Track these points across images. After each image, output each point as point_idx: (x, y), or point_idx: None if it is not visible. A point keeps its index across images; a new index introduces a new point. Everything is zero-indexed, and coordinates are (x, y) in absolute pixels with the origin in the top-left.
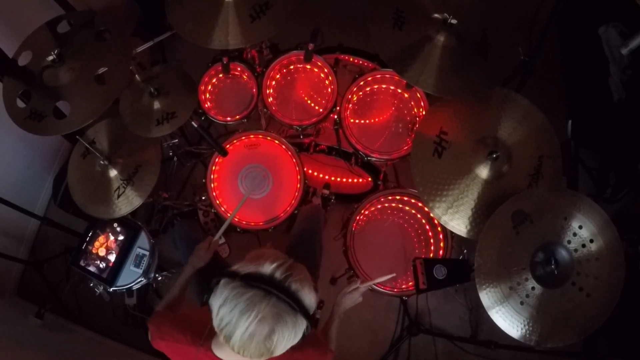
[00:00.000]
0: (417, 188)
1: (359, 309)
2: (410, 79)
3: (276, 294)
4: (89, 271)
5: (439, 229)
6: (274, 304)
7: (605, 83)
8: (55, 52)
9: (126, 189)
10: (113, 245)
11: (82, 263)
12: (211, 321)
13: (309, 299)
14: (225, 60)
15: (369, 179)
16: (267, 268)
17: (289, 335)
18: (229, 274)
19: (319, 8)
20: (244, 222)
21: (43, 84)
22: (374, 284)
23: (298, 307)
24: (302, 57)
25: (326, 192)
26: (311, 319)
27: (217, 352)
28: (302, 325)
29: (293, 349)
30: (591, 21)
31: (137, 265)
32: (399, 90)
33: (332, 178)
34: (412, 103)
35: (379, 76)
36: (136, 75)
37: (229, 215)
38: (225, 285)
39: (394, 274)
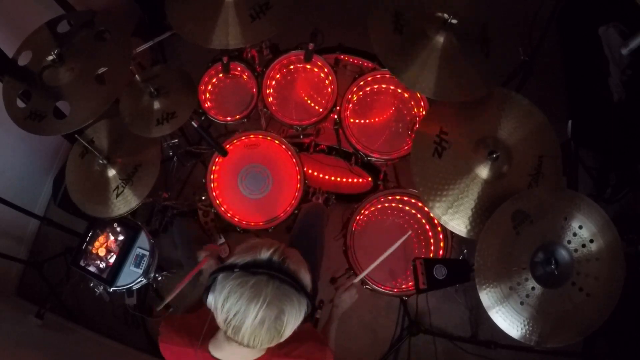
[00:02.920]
0: (417, 188)
1: (359, 308)
2: (407, 82)
3: (278, 276)
4: (89, 271)
5: (439, 229)
6: (278, 286)
7: (605, 83)
8: (55, 52)
9: (125, 189)
10: (113, 245)
11: (82, 263)
12: (207, 323)
13: (307, 278)
14: (225, 60)
15: (369, 179)
16: (265, 254)
17: (296, 314)
18: (227, 267)
19: (319, 8)
20: (244, 222)
21: (43, 84)
22: (372, 271)
23: (299, 285)
24: (302, 57)
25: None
26: (311, 298)
27: (215, 353)
28: (304, 303)
29: (296, 341)
30: (591, 21)
31: (137, 265)
32: (399, 90)
33: (332, 178)
34: (412, 103)
35: (379, 76)
36: (136, 75)
37: (223, 211)
38: (225, 279)
39: (382, 257)
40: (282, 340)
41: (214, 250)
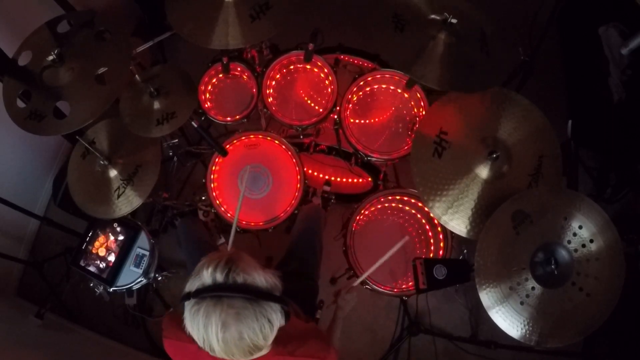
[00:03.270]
0: (417, 188)
1: (359, 308)
2: (414, 74)
3: (225, 295)
4: (89, 271)
5: (439, 229)
6: (228, 305)
7: (605, 83)
8: (55, 52)
9: (126, 189)
10: (113, 245)
11: (82, 263)
12: None
13: (261, 280)
14: (225, 60)
15: (369, 179)
16: (206, 276)
17: (260, 326)
18: (184, 297)
19: (319, 8)
20: (244, 222)
21: (43, 84)
22: (373, 272)
23: (253, 294)
24: (302, 57)
25: (327, 188)
26: (279, 298)
27: None
28: (269, 309)
29: (300, 339)
30: (591, 21)
31: (137, 265)
32: (399, 90)
33: (332, 178)
34: (412, 103)
35: (379, 76)
36: (136, 75)
37: (229, 215)
38: (187, 309)
39: (383, 259)
40: (265, 347)
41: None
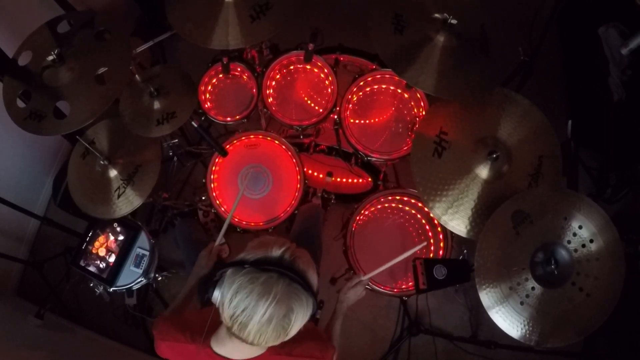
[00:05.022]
0: (417, 188)
1: (359, 309)
2: (410, 79)
3: (289, 274)
4: (89, 271)
5: (439, 229)
6: (288, 284)
7: (605, 83)
8: (55, 52)
9: (126, 189)
10: (113, 245)
11: (82, 263)
12: (211, 319)
13: (314, 279)
14: (225, 60)
15: (369, 179)
16: (277, 252)
17: (304, 313)
18: (237, 263)
19: (319, 8)
20: (244, 222)
21: (43, 84)
22: (377, 273)
23: (308, 285)
24: (302, 57)
25: (329, 179)
26: (317, 301)
27: (217, 349)
28: (312, 304)
29: (297, 340)
30: (591, 21)
31: (137, 265)
32: (399, 91)
33: (332, 178)
34: (412, 103)
35: (379, 76)
36: (136, 75)
37: (223, 211)
38: (234, 274)
39: (395, 260)
40: (287, 338)
41: (215, 249)
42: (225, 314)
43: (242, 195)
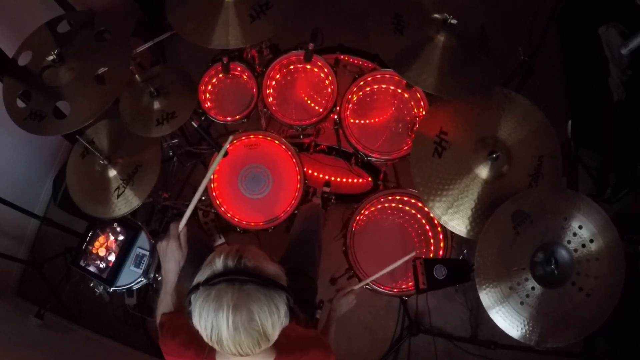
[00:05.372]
0: (417, 188)
1: (359, 309)
2: (410, 78)
3: (237, 278)
4: (89, 271)
5: (439, 229)
6: (239, 289)
7: (605, 83)
8: (55, 52)
9: (126, 189)
10: (113, 245)
11: (82, 263)
12: None
13: (272, 269)
14: (225, 60)
15: (369, 179)
16: (218, 263)
17: (270, 310)
18: (193, 289)
19: (319, 8)
20: (244, 222)
21: (43, 84)
22: (369, 282)
23: (263, 280)
24: (302, 57)
25: (327, 189)
26: (286, 288)
27: None
28: (278, 296)
29: (301, 349)
30: (591, 21)
31: (137, 265)
32: (399, 90)
33: (332, 178)
34: (412, 103)
35: (379, 76)
36: (136, 75)
37: (223, 211)
38: (195, 299)
39: (387, 269)
40: (272, 339)
41: (174, 235)
42: (204, 336)
43: (242, 196)
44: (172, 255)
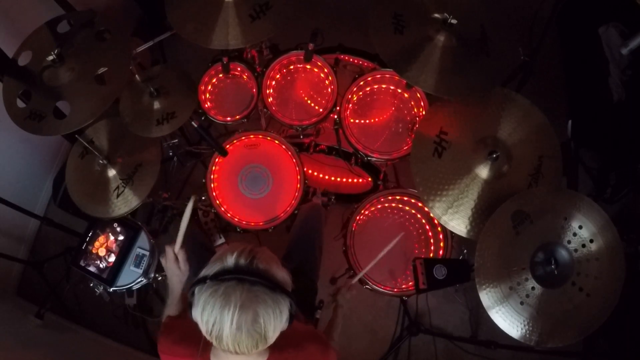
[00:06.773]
0: (417, 188)
1: (359, 309)
2: (410, 79)
3: (247, 278)
4: (89, 271)
5: (439, 229)
6: (248, 289)
7: (605, 83)
8: (55, 52)
9: (125, 189)
10: (113, 245)
11: (82, 263)
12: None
13: (281, 275)
14: (225, 60)
15: (369, 179)
16: (230, 260)
17: (274, 314)
18: (199, 281)
19: (319, 8)
20: (244, 222)
21: (43, 84)
22: (367, 274)
23: (272, 284)
24: (302, 57)
25: (325, 199)
26: (291, 295)
27: None
28: (283, 302)
29: (298, 345)
30: (591, 21)
31: (137, 265)
32: (399, 90)
33: (332, 178)
34: (412, 103)
35: (379, 76)
36: (136, 75)
37: (223, 211)
38: (199, 292)
39: (380, 256)
40: (270, 342)
41: (170, 254)
42: (203, 331)
43: (242, 195)
44: (172, 273)
